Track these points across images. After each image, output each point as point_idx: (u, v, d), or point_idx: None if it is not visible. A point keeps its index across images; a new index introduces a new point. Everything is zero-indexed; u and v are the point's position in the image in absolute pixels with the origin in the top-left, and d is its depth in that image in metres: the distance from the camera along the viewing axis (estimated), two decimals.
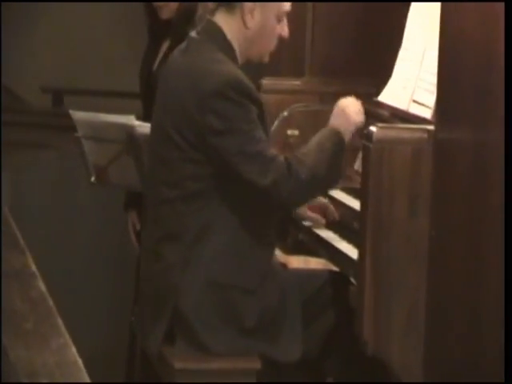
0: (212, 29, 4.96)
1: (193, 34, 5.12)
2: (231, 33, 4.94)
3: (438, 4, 4.52)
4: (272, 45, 5.04)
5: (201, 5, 5.78)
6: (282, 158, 4.76)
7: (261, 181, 4.69)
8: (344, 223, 5.04)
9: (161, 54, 5.94)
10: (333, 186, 5.07)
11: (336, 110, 4.98)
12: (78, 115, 5.75)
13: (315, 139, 4.93)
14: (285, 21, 5.01)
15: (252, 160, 4.72)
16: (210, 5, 5.42)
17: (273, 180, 4.69)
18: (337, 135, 4.88)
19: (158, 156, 4.96)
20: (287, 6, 5.00)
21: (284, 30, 5.01)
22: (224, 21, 4.94)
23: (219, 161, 4.76)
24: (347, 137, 4.89)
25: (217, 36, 4.93)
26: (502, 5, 4.02)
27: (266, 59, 5.10)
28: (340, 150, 4.86)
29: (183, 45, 5.13)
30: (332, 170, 4.86)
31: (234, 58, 4.93)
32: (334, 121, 4.96)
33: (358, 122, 4.94)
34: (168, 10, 5.90)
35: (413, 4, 5.40)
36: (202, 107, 4.76)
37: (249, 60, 5.08)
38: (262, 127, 4.85)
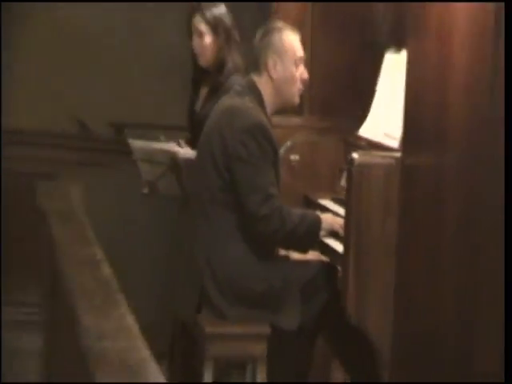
0: (250, 85, 4.96)
1: (237, 86, 5.10)
2: (263, 88, 4.93)
3: (405, 56, 4.52)
4: (297, 88, 4.99)
5: (230, 59, 5.62)
6: (279, 202, 4.75)
7: (255, 210, 4.71)
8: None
9: (201, 98, 5.79)
10: (302, 249, 4.97)
11: (327, 216, 4.94)
12: (135, 143, 5.75)
13: (303, 212, 4.97)
14: (302, 66, 4.97)
15: (256, 191, 4.72)
16: (238, 60, 5.56)
17: (265, 214, 4.70)
18: (318, 223, 4.84)
19: (201, 170, 4.94)
20: (301, 51, 4.99)
21: (303, 73, 4.98)
22: (257, 79, 4.94)
23: (235, 181, 4.76)
24: (323, 229, 4.83)
25: (253, 90, 4.93)
26: (459, 54, 3.95)
27: (297, 101, 5.04)
28: (315, 230, 4.83)
29: (231, 92, 5.10)
30: (305, 236, 4.83)
31: (263, 109, 4.90)
32: (323, 216, 4.93)
33: (335, 226, 4.84)
34: (205, 60, 5.71)
35: (386, 56, 5.33)
36: (234, 138, 4.77)
37: (283, 107, 5.05)
38: (274, 170, 4.83)
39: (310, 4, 5.75)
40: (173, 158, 5.51)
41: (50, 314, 5.20)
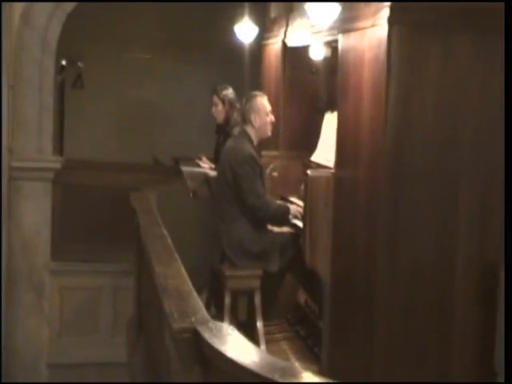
0: (244, 131, 4.91)
1: (236, 132, 5.14)
2: (250, 133, 4.87)
3: (336, 114, 4.37)
4: (269, 128, 4.90)
5: (233, 119, 5.65)
6: (266, 198, 4.74)
7: (254, 202, 4.71)
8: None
9: (219, 141, 5.83)
10: (279, 224, 4.88)
11: (292, 206, 4.87)
12: (184, 168, 5.79)
13: (279, 203, 4.93)
14: (270, 114, 4.88)
15: (253, 193, 4.72)
16: (237, 119, 5.48)
17: (259, 205, 4.70)
18: (287, 209, 4.82)
19: (219, 185, 4.93)
20: (269, 107, 4.89)
21: (272, 118, 4.88)
22: (247, 127, 4.89)
23: (240, 191, 4.74)
24: (290, 213, 4.80)
25: (245, 134, 4.89)
26: (366, 112, 3.78)
27: (269, 134, 4.93)
28: (285, 214, 4.80)
29: (233, 137, 5.09)
30: (280, 217, 4.81)
31: (252, 144, 4.86)
32: (290, 206, 4.87)
33: (295, 212, 4.79)
34: (219, 118, 5.76)
35: (326, 115, 5.16)
36: (237, 164, 4.77)
37: (261, 139, 4.92)
38: (261, 180, 4.83)
39: (283, 82, 5.54)
40: (205, 176, 5.59)
41: (138, 265, 5.23)
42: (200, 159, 5.94)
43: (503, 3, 3.38)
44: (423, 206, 3.76)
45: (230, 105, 5.69)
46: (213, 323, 2.79)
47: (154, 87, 8.53)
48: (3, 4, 5.90)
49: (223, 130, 5.74)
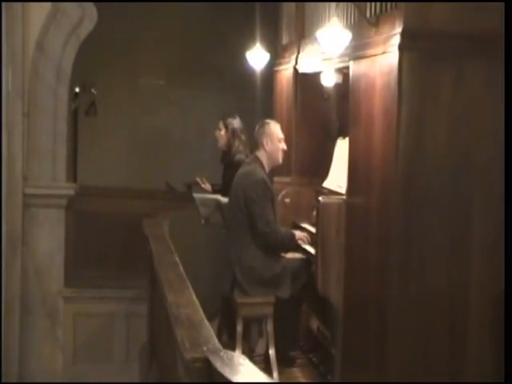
0: (255, 158, 4.92)
1: (248, 160, 5.11)
2: (262, 158, 4.88)
3: (347, 141, 4.38)
4: (280, 155, 4.91)
5: (234, 146, 5.71)
6: (274, 224, 4.75)
7: (262, 229, 4.70)
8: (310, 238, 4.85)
9: (224, 168, 5.85)
10: (285, 250, 4.87)
11: (297, 232, 4.88)
12: (196, 195, 5.76)
13: (286, 230, 4.90)
14: (282, 142, 4.90)
15: (263, 218, 4.72)
16: (240, 147, 5.59)
17: (268, 231, 4.70)
18: (293, 236, 4.83)
19: (232, 211, 4.92)
20: (281, 134, 4.92)
21: (284, 146, 4.92)
22: (258, 153, 4.90)
23: (251, 215, 4.73)
24: (296, 237, 4.83)
25: (256, 160, 4.90)
26: (376, 139, 3.77)
27: (280, 162, 4.94)
28: (291, 240, 4.82)
29: (245, 163, 5.06)
30: (288, 243, 4.83)
31: (264, 170, 4.87)
32: (295, 232, 4.88)
33: (301, 237, 4.84)
34: (220, 142, 5.84)
35: (338, 141, 5.13)
36: (250, 189, 4.77)
37: (273, 166, 4.96)
38: (272, 205, 4.81)
39: (294, 109, 5.55)
40: (217, 202, 5.56)
41: (151, 292, 5.27)
42: (201, 181, 6.00)
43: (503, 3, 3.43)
44: (436, 232, 3.72)
45: (232, 132, 5.79)
46: (224, 352, 2.80)
47: (167, 113, 8.57)
48: (19, 31, 6.01)
49: (226, 158, 5.86)
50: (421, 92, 3.64)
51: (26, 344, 6.31)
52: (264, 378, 2.62)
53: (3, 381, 6.05)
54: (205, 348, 2.82)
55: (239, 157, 5.59)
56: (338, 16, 4.10)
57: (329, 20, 4.39)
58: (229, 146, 5.80)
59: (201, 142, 8.24)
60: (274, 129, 4.93)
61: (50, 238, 6.38)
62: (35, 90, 6.22)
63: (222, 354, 2.79)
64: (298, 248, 4.90)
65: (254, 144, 4.99)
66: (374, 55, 3.86)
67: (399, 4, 3.65)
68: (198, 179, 5.97)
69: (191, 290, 3.71)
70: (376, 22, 3.89)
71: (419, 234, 3.71)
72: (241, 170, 5.02)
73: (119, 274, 6.57)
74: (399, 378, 3.71)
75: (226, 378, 2.58)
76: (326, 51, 4.21)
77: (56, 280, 6.44)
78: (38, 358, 6.39)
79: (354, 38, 3.99)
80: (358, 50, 4.09)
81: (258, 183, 4.77)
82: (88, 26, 6.30)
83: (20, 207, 6.22)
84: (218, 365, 2.70)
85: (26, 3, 6.00)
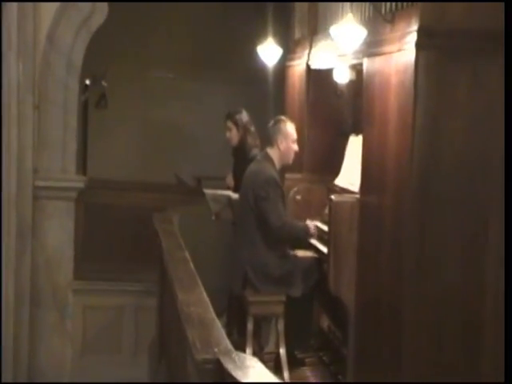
0: (266, 155, 4.87)
1: (253, 155, 5.11)
2: (274, 156, 4.83)
3: (361, 138, 4.32)
4: (292, 156, 4.88)
5: (248, 141, 5.62)
6: (285, 218, 4.71)
7: (274, 224, 4.64)
8: (321, 236, 4.84)
9: (237, 164, 5.77)
10: (300, 243, 4.87)
11: (309, 223, 4.83)
12: (207, 191, 5.70)
13: (297, 222, 4.87)
14: (295, 143, 4.86)
15: (274, 214, 4.66)
16: (251, 142, 5.52)
17: (279, 226, 4.64)
18: (305, 228, 4.79)
19: (242, 208, 4.88)
20: (295, 135, 4.87)
21: (296, 147, 4.88)
22: (270, 150, 4.85)
23: (262, 213, 4.69)
24: (307, 232, 4.78)
25: (267, 158, 4.85)
26: (391, 137, 3.71)
27: (291, 162, 4.92)
28: (304, 232, 4.78)
29: (255, 160, 5.00)
30: (301, 236, 4.81)
31: (274, 167, 4.82)
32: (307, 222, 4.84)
33: (311, 226, 4.79)
34: (233, 142, 5.72)
35: (350, 138, 5.07)
36: (259, 187, 4.73)
37: (283, 165, 4.93)
38: (282, 200, 4.77)
39: (306, 105, 5.50)
40: (228, 198, 5.51)
41: (161, 286, 5.20)
42: (230, 182, 5.88)
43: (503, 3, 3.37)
44: (451, 231, 3.65)
45: (243, 128, 5.66)
46: (236, 354, 2.77)
47: (177, 106, 8.52)
48: (30, 24, 5.99)
49: (239, 153, 5.73)
50: (437, 90, 3.56)
51: (36, 336, 6.30)
52: (275, 380, 2.57)
53: (14, 372, 6.09)
54: (216, 349, 2.79)
55: (255, 152, 5.47)
56: (352, 12, 4.01)
57: (342, 15, 4.33)
58: (242, 142, 5.69)
59: (211, 134, 8.17)
60: (290, 129, 4.88)
61: (59, 231, 6.37)
62: (46, 82, 6.21)
63: (233, 355, 2.76)
64: (310, 246, 4.88)
65: (267, 140, 4.94)
66: (390, 52, 3.79)
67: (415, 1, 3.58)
68: (228, 180, 5.84)
69: (202, 288, 3.67)
70: (391, 19, 3.82)
71: (433, 234, 3.64)
72: (251, 168, 4.97)
73: (129, 266, 6.55)
74: (413, 379, 3.66)
75: (238, 381, 2.53)
76: (339, 47, 4.13)
77: (65, 273, 6.43)
78: (47, 350, 6.39)
79: (369, 34, 3.92)
80: (372, 47, 4.03)
81: (267, 181, 4.72)
82: (98, 18, 6.28)
83: (30, 200, 6.21)
84: (229, 367, 2.67)
85: None
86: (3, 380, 5.92)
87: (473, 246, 3.67)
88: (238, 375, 2.55)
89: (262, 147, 5.20)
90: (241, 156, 5.66)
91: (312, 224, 4.81)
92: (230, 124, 5.70)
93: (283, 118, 4.97)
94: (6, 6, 5.90)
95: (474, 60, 3.57)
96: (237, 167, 5.71)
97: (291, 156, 4.88)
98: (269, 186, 4.70)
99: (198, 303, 3.40)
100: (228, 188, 5.78)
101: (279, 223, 4.66)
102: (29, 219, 6.19)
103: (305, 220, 5.17)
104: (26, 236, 6.18)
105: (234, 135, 5.71)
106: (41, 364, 6.35)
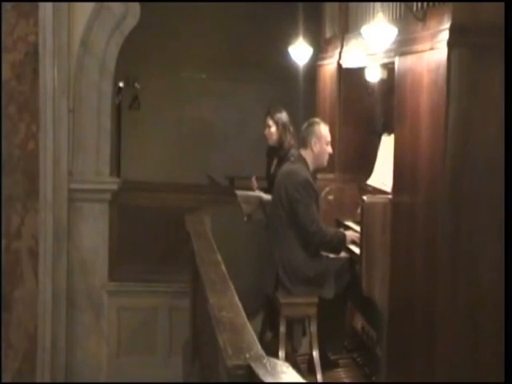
0: (299, 156, 4.83)
1: (292, 157, 5.04)
2: (307, 157, 4.79)
3: (393, 137, 4.27)
4: (326, 158, 4.85)
5: (286, 141, 5.56)
6: (321, 223, 4.66)
7: (309, 228, 4.61)
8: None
9: (273, 165, 5.69)
10: (335, 252, 4.78)
11: (349, 232, 4.79)
12: (239, 192, 5.69)
13: (335, 230, 4.84)
14: (329, 146, 4.82)
15: (309, 218, 4.63)
16: (291, 141, 5.45)
17: (314, 231, 4.61)
18: (344, 237, 4.74)
19: (274, 209, 4.86)
20: (329, 137, 4.83)
21: (330, 149, 4.84)
22: (304, 152, 4.81)
23: (296, 216, 4.65)
24: (347, 240, 4.72)
25: (301, 159, 4.80)
26: (423, 135, 3.66)
27: (325, 165, 4.90)
28: (341, 242, 4.72)
29: (289, 161, 4.98)
30: (336, 245, 4.73)
31: (308, 169, 4.77)
32: (347, 232, 4.79)
33: (353, 237, 4.72)
34: (271, 140, 5.65)
35: (383, 137, 5.04)
36: (293, 189, 4.68)
37: (317, 168, 4.89)
38: (316, 205, 4.73)
39: (338, 104, 5.46)
40: (260, 200, 5.50)
41: (194, 287, 5.14)
42: (255, 182, 5.83)
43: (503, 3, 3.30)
44: (485, 232, 3.56)
45: (283, 127, 5.59)
46: (267, 360, 2.73)
47: (209, 106, 8.55)
48: (64, 28, 6.08)
49: (277, 153, 5.68)
50: (470, 89, 3.49)
51: (72, 337, 6.38)
52: None
53: (52, 372, 6.19)
54: (247, 355, 2.76)
55: (292, 152, 5.39)
56: (383, 10, 3.96)
57: (373, 14, 4.29)
58: (280, 141, 5.62)
59: (243, 134, 8.19)
60: (324, 131, 4.84)
61: (94, 233, 6.43)
62: (80, 86, 6.28)
63: (264, 361, 2.72)
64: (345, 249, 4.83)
65: (301, 142, 4.90)
66: (421, 51, 3.72)
67: None
68: (253, 180, 5.77)
69: (234, 292, 3.63)
70: (423, 17, 3.75)
71: (467, 235, 3.57)
72: (284, 169, 4.95)
73: (162, 268, 6.57)
74: (447, 380, 3.61)
75: None
76: (370, 47, 4.08)
77: (100, 274, 6.49)
78: (83, 351, 6.45)
79: (400, 32, 3.87)
80: (404, 46, 3.96)
81: (301, 184, 4.69)
82: (131, 22, 6.32)
83: (65, 202, 6.28)
84: (260, 373, 2.63)
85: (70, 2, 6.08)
86: (43, 380, 6.00)
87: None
88: (269, 381, 2.51)
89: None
90: (278, 156, 5.61)
91: (354, 236, 4.73)
92: (270, 121, 5.64)
93: (317, 119, 4.95)
94: (41, 10, 5.99)
95: None
96: (274, 168, 5.64)
97: (325, 158, 4.84)
98: (303, 188, 4.68)
99: (230, 307, 3.36)
100: (253, 189, 5.75)
101: (313, 229, 4.63)
102: (65, 222, 6.28)
103: (336, 222, 5.17)
104: (62, 238, 6.25)
105: (273, 133, 5.64)
106: (78, 364, 6.41)
